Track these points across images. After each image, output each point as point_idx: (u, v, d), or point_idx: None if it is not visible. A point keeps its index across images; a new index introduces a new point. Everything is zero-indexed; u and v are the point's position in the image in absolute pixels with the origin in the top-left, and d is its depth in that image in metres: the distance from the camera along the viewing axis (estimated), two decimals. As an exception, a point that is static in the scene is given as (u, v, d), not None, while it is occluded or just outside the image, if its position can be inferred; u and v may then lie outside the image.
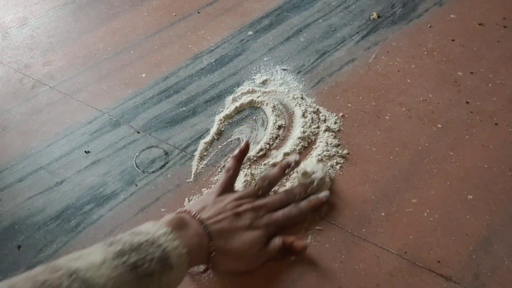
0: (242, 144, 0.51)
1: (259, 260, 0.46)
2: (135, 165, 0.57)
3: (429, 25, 0.73)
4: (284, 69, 0.68)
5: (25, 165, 0.58)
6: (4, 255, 0.49)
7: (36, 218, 0.53)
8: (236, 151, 0.50)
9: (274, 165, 0.55)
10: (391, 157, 0.55)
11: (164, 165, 0.57)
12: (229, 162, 0.50)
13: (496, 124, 0.58)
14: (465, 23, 0.72)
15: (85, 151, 0.59)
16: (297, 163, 0.51)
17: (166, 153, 0.58)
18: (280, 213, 0.47)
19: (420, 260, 0.46)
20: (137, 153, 0.59)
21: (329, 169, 0.54)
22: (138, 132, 0.61)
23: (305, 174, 0.51)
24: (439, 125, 0.58)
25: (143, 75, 0.70)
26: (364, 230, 0.49)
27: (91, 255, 0.34)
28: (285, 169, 0.50)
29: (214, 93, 0.66)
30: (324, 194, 0.49)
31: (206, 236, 0.42)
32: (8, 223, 0.52)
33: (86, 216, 0.52)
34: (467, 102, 0.61)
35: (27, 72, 0.72)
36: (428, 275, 0.45)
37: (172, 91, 0.66)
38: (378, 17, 0.75)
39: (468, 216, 0.49)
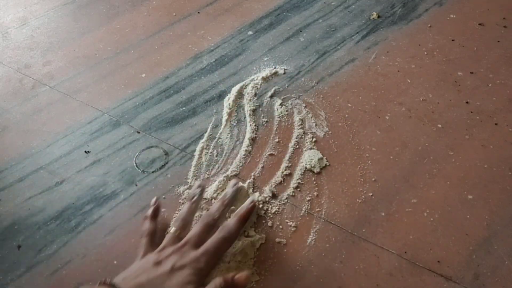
0: (152, 202, 0.48)
1: None
2: (135, 165, 0.57)
3: (429, 25, 0.73)
4: (284, 69, 0.68)
5: (25, 165, 0.58)
6: (4, 255, 0.49)
7: (36, 218, 0.53)
8: (149, 211, 0.47)
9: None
10: (391, 157, 0.55)
11: (164, 165, 0.57)
12: (143, 224, 0.46)
13: (496, 124, 0.58)
14: (465, 23, 0.72)
15: (85, 151, 0.59)
16: (202, 192, 0.48)
17: (166, 153, 0.58)
18: (208, 243, 0.42)
19: (420, 260, 0.46)
20: (137, 153, 0.59)
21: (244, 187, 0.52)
22: (138, 132, 0.61)
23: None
24: (439, 125, 0.58)
25: (143, 75, 0.70)
26: (364, 230, 0.49)
27: None
28: (192, 200, 0.47)
29: (214, 93, 0.66)
30: (249, 200, 0.47)
31: None
32: (8, 223, 0.52)
33: (86, 216, 0.52)
34: (467, 102, 0.61)
35: (27, 72, 0.72)
36: (428, 275, 0.45)
37: (172, 91, 0.66)
38: (378, 17, 0.75)
39: (468, 216, 0.49)
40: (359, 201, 0.51)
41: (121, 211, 0.52)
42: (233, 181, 0.50)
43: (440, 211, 0.50)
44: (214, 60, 0.71)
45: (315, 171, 0.54)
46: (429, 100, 0.61)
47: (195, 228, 0.44)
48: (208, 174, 0.55)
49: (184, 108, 0.64)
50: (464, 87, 0.63)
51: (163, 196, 0.53)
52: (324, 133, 0.58)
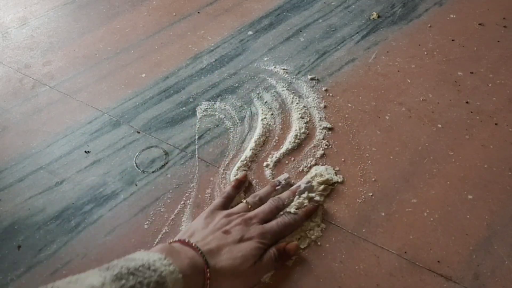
0: (240, 175, 0.53)
1: (257, 275, 0.44)
2: (135, 165, 0.57)
3: (429, 25, 0.73)
4: (284, 69, 0.68)
5: (25, 165, 0.58)
6: (4, 255, 0.49)
7: (36, 218, 0.53)
8: (234, 180, 0.53)
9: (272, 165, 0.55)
10: (391, 157, 0.55)
11: (164, 165, 0.57)
12: (226, 188, 0.52)
13: (496, 124, 0.58)
14: (465, 23, 0.72)
15: (85, 151, 0.59)
16: (287, 184, 0.52)
17: (166, 153, 0.58)
18: (274, 222, 0.47)
19: (420, 260, 0.46)
20: (137, 153, 0.59)
21: (331, 171, 0.54)
22: (138, 132, 0.61)
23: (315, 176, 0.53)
24: (439, 125, 0.58)
25: (143, 75, 0.70)
26: (364, 230, 0.49)
27: (89, 279, 0.34)
28: (275, 186, 0.52)
29: (214, 93, 0.66)
30: (317, 198, 0.50)
31: (201, 258, 0.41)
32: (8, 223, 0.52)
33: (86, 216, 0.52)
34: (467, 102, 0.61)
35: (27, 72, 0.72)
36: (428, 275, 0.45)
37: (172, 91, 0.66)
38: (378, 17, 0.75)
39: (468, 216, 0.49)
40: (359, 201, 0.51)
41: (121, 211, 0.52)
42: (306, 177, 0.53)
43: (440, 211, 0.50)
44: (214, 60, 0.71)
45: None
46: (429, 100, 0.61)
47: (264, 207, 0.48)
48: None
49: (184, 108, 0.64)
50: (464, 87, 0.63)
51: (167, 197, 0.53)
52: (324, 133, 0.58)
